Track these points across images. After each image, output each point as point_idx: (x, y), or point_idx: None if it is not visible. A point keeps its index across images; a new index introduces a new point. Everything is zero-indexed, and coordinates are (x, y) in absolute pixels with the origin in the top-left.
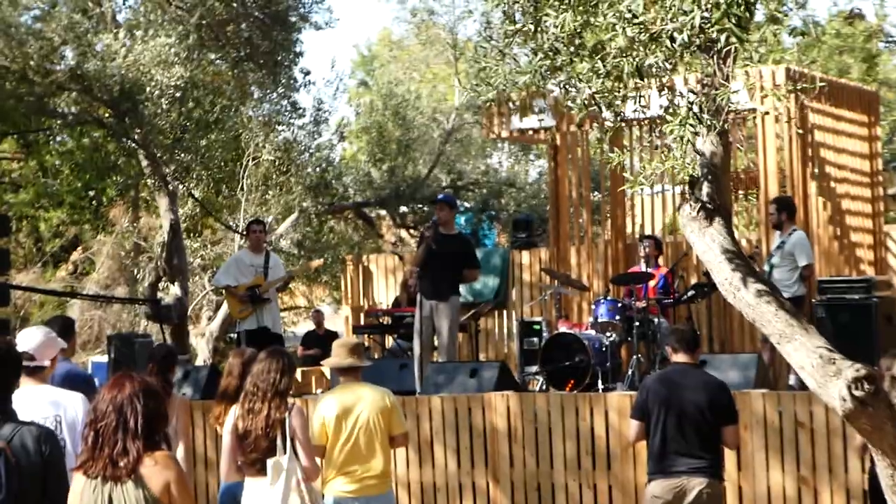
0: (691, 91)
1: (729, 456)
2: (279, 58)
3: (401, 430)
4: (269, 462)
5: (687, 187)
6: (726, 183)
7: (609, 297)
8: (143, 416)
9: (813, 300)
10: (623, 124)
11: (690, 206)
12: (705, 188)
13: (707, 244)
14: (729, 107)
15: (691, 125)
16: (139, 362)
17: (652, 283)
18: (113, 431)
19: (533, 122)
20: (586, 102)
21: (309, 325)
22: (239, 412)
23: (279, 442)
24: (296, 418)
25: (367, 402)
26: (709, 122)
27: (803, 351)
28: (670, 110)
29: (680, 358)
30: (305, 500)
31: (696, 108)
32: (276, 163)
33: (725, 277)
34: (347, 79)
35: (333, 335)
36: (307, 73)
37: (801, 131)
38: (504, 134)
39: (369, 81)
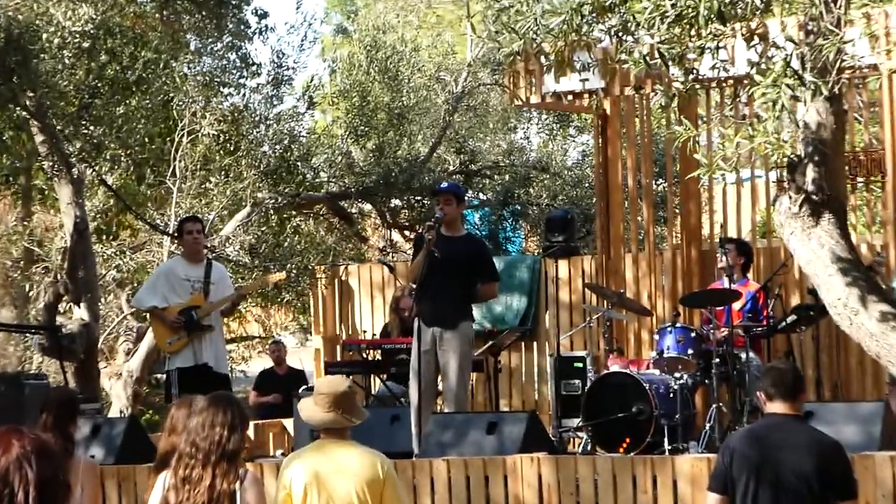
0: (790, 40)
1: None
2: None
3: None
4: None
5: (785, 173)
6: (839, 167)
7: (679, 325)
8: (35, 486)
9: None
10: (698, 86)
11: (790, 198)
12: (810, 174)
13: (813, 251)
14: (842, 62)
15: (789, 86)
16: (29, 411)
17: (737, 305)
18: None
19: (573, 84)
20: (647, 56)
21: (266, 362)
22: (171, 481)
23: None
24: (250, 491)
25: (352, 471)
26: (814, 83)
27: None
28: (761, 67)
29: (776, 408)
30: None
31: (795, 64)
32: (221, 139)
33: (838, 297)
34: (319, 24)
35: (298, 375)
36: (263, 16)
37: None
38: (534, 100)
39: (349, 28)
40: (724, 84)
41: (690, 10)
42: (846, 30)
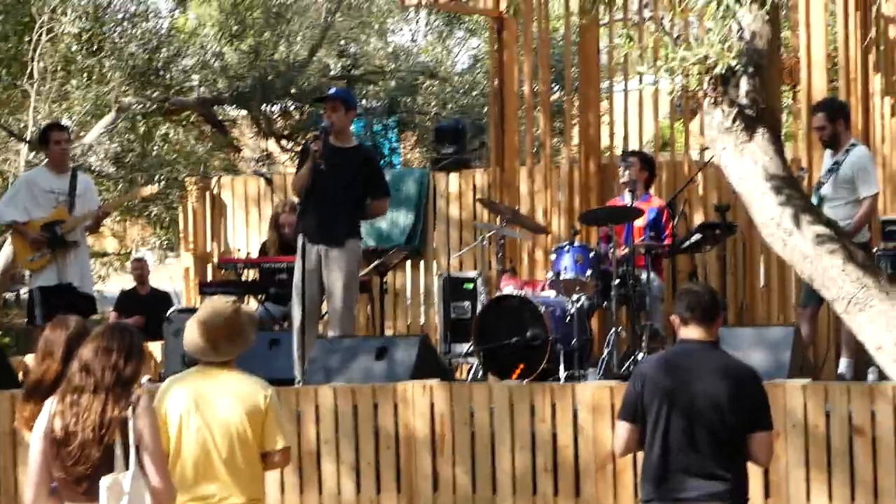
0: None
1: (756, 474)
2: None
3: (279, 444)
4: (104, 482)
5: (715, 84)
6: (774, 78)
7: (577, 244)
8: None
9: (875, 248)
10: None
11: (723, 112)
12: (744, 86)
13: (746, 167)
14: None
15: None
16: None
17: (639, 223)
18: None
19: None
20: None
21: (125, 282)
22: (56, 408)
23: (119, 452)
24: (143, 418)
25: (231, 398)
26: None
27: (882, 322)
28: None
29: (691, 333)
30: None
31: None
32: (83, 37)
33: (771, 217)
34: None
35: (163, 296)
36: None
37: None
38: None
39: None
40: None
41: None
42: None
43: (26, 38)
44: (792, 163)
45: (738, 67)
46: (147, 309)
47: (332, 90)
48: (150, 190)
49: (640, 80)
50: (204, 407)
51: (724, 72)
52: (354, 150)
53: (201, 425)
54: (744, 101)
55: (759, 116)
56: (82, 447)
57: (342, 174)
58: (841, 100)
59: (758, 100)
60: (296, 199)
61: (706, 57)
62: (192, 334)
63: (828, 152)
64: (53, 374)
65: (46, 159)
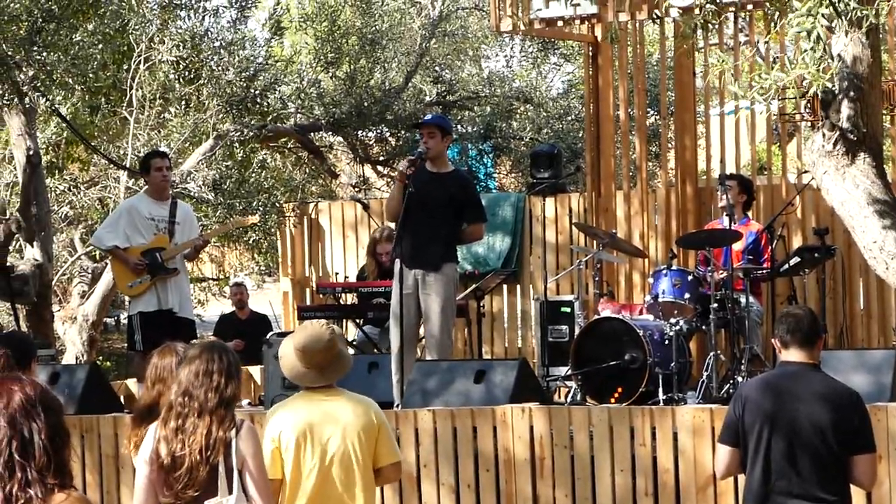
0: None
1: (859, 497)
2: None
3: (392, 459)
4: None
5: (814, 107)
6: (876, 102)
7: (675, 267)
8: (45, 432)
9: None
10: (712, 7)
11: (824, 135)
12: (845, 110)
13: (847, 191)
14: None
15: (825, 16)
16: None
17: (738, 246)
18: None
19: (562, 9)
20: None
21: (224, 307)
22: (161, 433)
23: (222, 473)
24: (246, 441)
25: (344, 420)
26: (857, 13)
27: None
28: None
29: (792, 356)
30: None
31: None
32: (181, 66)
33: (874, 240)
34: None
35: (262, 320)
36: None
37: None
38: (521, 26)
39: None
40: (739, 9)
41: None
42: None
43: (125, 67)
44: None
45: (838, 91)
46: (247, 333)
47: (428, 116)
48: (251, 220)
49: (736, 104)
50: (319, 434)
51: (822, 94)
52: (451, 175)
53: (319, 453)
54: (845, 124)
55: (861, 140)
56: (190, 471)
57: (439, 199)
58: None
59: (859, 123)
60: (392, 225)
61: (801, 79)
62: (292, 361)
63: None
64: (165, 399)
65: (147, 186)
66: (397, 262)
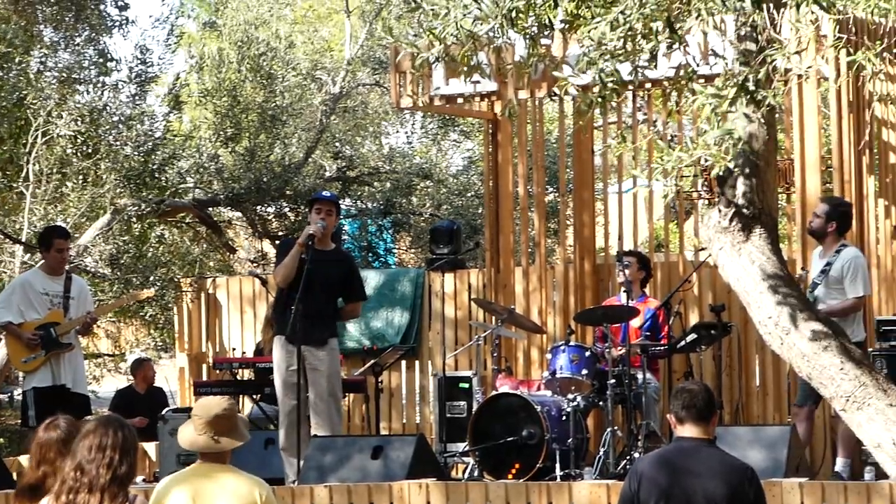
0: (731, 43)
1: None
2: None
3: None
4: None
5: (710, 185)
6: (771, 179)
7: (572, 343)
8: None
9: (870, 349)
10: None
11: (720, 211)
12: (741, 187)
13: (743, 267)
14: (785, 70)
15: (732, 97)
16: None
17: (635, 323)
18: None
19: (461, 87)
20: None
21: (119, 382)
22: None
23: None
24: None
25: (230, 497)
26: (754, 92)
27: (881, 421)
28: (691, 70)
29: (687, 431)
30: None
31: (737, 70)
32: (79, 140)
33: (769, 316)
34: (185, 18)
35: (158, 395)
36: (124, 8)
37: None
38: (421, 103)
39: (217, 21)
40: (640, 88)
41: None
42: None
43: (22, 141)
44: (789, 263)
45: (734, 167)
46: (146, 408)
47: (326, 193)
48: (146, 293)
49: (635, 182)
50: None
51: (721, 172)
52: (335, 253)
53: None
54: (741, 201)
55: (756, 216)
56: None
57: (327, 277)
58: (849, 209)
59: (755, 199)
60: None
61: (701, 158)
62: (189, 431)
63: (817, 252)
64: (46, 476)
65: (42, 261)
66: (280, 340)
